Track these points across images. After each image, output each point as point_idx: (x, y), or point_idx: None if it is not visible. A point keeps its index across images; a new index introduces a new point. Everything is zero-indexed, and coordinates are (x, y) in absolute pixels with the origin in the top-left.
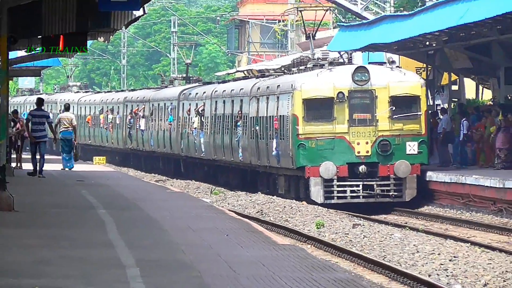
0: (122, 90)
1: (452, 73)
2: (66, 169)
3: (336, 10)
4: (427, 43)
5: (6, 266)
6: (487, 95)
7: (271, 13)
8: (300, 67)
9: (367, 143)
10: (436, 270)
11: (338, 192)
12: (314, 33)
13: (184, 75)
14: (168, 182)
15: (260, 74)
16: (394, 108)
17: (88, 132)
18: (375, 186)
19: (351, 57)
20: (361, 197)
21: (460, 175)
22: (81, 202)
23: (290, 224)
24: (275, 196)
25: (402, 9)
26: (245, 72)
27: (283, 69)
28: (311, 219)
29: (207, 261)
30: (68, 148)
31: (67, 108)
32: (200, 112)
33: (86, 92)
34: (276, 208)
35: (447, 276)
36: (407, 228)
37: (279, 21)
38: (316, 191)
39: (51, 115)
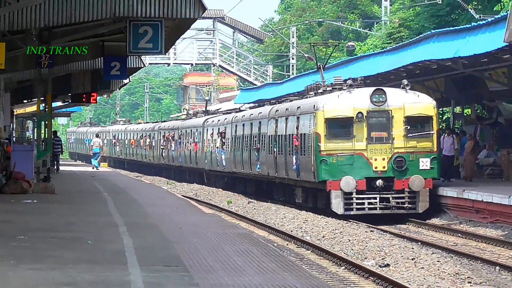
0: (156, 122)
1: None
2: (94, 168)
3: (238, 79)
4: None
5: (49, 226)
6: None
7: (201, 82)
8: (318, 91)
9: (383, 159)
10: (295, 228)
11: (357, 204)
12: (324, 65)
13: (203, 109)
14: (142, 178)
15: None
16: (408, 127)
17: (132, 151)
18: (391, 198)
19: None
20: (378, 208)
21: None
22: (93, 188)
23: (213, 202)
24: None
25: (276, 79)
26: (186, 114)
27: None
28: (224, 198)
29: (165, 223)
30: (97, 157)
31: (96, 135)
32: (222, 134)
33: (129, 123)
34: (204, 192)
35: (302, 231)
36: (280, 204)
37: (206, 85)
38: (337, 203)
39: (62, 140)
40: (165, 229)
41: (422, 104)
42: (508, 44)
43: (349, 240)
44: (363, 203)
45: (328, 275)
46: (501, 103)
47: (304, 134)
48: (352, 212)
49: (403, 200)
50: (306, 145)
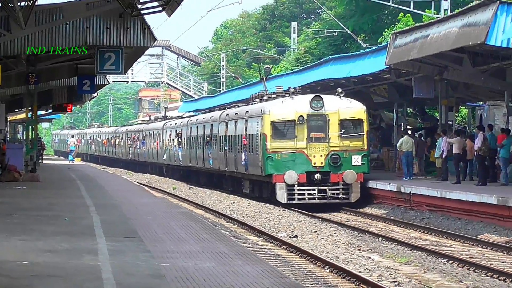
0: (123, 125)
1: None
2: (70, 162)
3: (181, 93)
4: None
5: (35, 206)
6: None
7: (153, 95)
8: (264, 98)
9: (321, 156)
10: (225, 208)
11: (298, 194)
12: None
13: (163, 115)
14: (107, 169)
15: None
16: (343, 130)
17: (104, 149)
18: (327, 190)
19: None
20: (316, 198)
21: None
22: (69, 177)
23: (161, 187)
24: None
25: (210, 93)
26: (141, 120)
27: (160, 119)
28: (171, 185)
29: (124, 204)
30: (72, 153)
31: (72, 136)
32: (179, 135)
33: (103, 127)
34: (155, 180)
35: (230, 210)
36: (213, 190)
37: (156, 98)
38: (281, 194)
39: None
40: (124, 209)
41: (354, 109)
42: (388, 66)
43: (266, 217)
44: (304, 194)
45: (250, 244)
46: (383, 112)
47: (252, 134)
48: (294, 202)
49: (338, 192)
50: (254, 144)
